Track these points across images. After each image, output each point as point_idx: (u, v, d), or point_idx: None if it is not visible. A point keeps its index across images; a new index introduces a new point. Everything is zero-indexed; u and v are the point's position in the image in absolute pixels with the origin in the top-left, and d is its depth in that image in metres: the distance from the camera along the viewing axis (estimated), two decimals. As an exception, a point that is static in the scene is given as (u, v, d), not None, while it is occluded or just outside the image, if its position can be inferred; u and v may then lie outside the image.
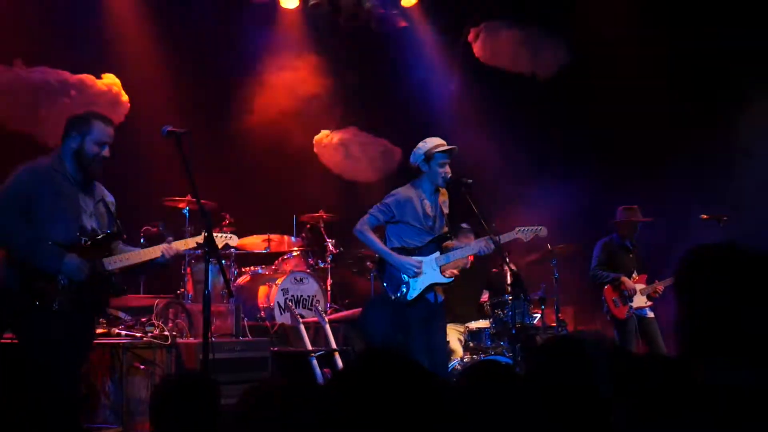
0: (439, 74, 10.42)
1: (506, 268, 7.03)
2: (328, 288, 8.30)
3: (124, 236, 4.54)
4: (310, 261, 8.51)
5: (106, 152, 4.38)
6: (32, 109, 8.19)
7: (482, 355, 7.19)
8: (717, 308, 1.84)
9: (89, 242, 4.29)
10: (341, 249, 8.55)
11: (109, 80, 8.64)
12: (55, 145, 7.88)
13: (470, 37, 10.36)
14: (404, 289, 5.50)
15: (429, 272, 5.58)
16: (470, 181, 5.73)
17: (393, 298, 5.52)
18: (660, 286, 7.63)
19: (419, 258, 5.59)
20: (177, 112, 7.83)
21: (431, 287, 5.58)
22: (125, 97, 8.67)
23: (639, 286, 7.69)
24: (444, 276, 5.61)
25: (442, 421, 1.63)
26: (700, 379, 1.87)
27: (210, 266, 4.35)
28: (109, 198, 4.57)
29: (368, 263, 7.88)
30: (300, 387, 1.82)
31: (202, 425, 2.64)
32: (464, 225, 7.20)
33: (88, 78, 8.53)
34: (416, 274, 5.49)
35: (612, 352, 2.20)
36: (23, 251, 4.13)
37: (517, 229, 5.76)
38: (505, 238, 5.68)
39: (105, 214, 4.48)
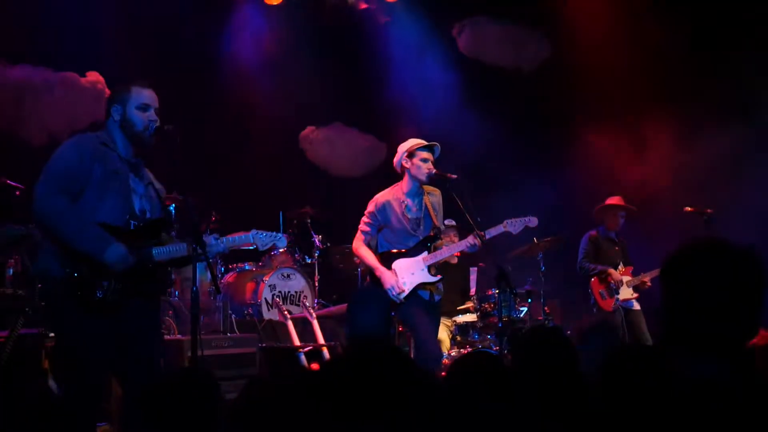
0: (423, 69, 10.42)
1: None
2: (316, 283, 8.32)
3: (175, 225, 4.34)
4: (297, 257, 8.52)
5: (152, 115, 4.12)
6: (15, 107, 8.15)
7: (470, 349, 7.24)
8: (694, 301, 1.88)
9: (139, 225, 4.06)
10: (328, 244, 8.56)
11: (93, 77, 8.60)
12: (39, 142, 8.04)
13: (454, 32, 10.39)
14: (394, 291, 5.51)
15: (417, 272, 5.58)
16: (455, 176, 5.69)
17: (381, 292, 5.51)
18: (647, 279, 7.70)
19: (406, 260, 5.60)
20: (161, 108, 7.79)
21: (420, 286, 5.58)
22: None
23: (625, 278, 7.76)
24: (431, 275, 5.62)
25: (432, 411, 1.65)
26: (670, 369, 1.92)
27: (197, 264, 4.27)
28: (158, 184, 4.32)
29: (355, 259, 7.89)
30: (293, 382, 1.84)
31: (202, 422, 2.64)
32: (447, 222, 7.19)
33: (71, 75, 8.49)
34: (397, 297, 5.46)
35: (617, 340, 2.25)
36: (69, 234, 3.84)
37: (505, 222, 5.67)
38: (493, 232, 5.61)
39: (155, 199, 4.22)
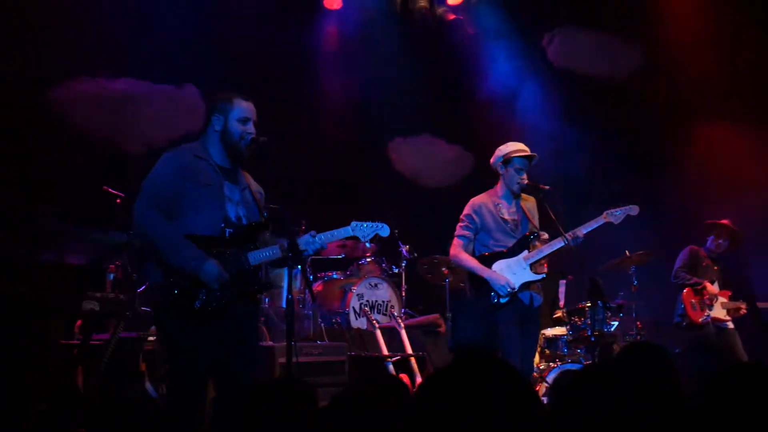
0: (511, 79, 10.36)
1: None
2: (403, 293, 8.34)
3: (270, 227, 4.30)
4: (384, 266, 8.54)
5: (250, 128, 4.22)
6: (116, 118, 8.45)
7: (558, 363, 7.13)
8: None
9: (233, 233, 4.14)
10: (415, 254, 8.57)
11: (189, 90, 8.85)
12: (138, 152, 8.33)
13: (544, 42, 10.29)
14: (495, 293, 5.46)
15: (519, 271, 5.52)
16: (548, 188, 5.66)
17: (484, 302, 5.48)
18: (743, 306, 7.45)
19: (507, 260, 5.55)
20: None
21: (524, 287, 5.52)
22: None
23: (721, 299, 7.53)
24: (535, 273, 5.55)
25: (537, 423, 1.63)
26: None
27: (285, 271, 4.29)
28: (255, 187, 4.37)
29: (443, 269, 7.88)
30: (393, 390, 1.85)
31: (298, 429, 2.68)
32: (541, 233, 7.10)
33: (169, 88, 8.76)
34: (508, 294, 5.42)
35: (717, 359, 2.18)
36: (165, 251, 3.97)
37: (605, 212, 5.54)
38: (593, 224, 5.50)
39: (251, 203, 4.28)
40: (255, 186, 4.39)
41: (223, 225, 4.12)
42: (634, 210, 5.55)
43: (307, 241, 4.22)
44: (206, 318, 3.99)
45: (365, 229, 4.40)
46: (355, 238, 4.44)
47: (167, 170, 4.11)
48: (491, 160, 5.75)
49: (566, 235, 5.39)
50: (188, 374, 4.01)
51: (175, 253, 3.96)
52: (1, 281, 5.06)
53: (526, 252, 5.57)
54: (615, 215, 5.51)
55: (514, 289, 5.42)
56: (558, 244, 5.54)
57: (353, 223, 4.41)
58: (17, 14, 7.60)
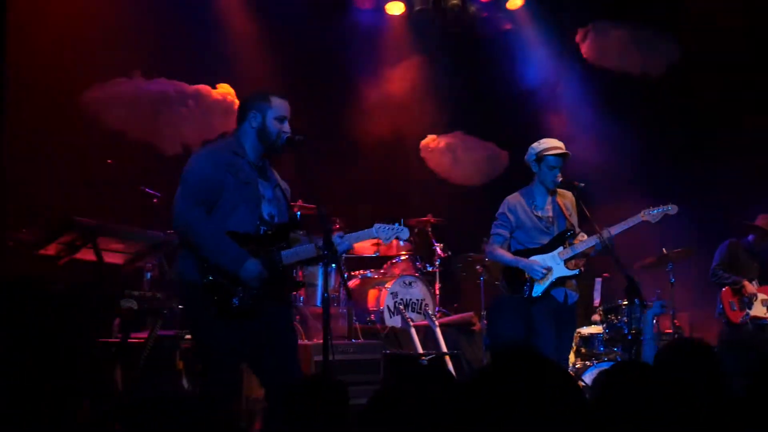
0: (546, 76, 10.29)
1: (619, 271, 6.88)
2: (437, 292, 8.33)
3: (299, 225, 4.36)
4: (419, 265, 8.54)
5: (286, 127, 4.24)
6: (151, 118, 8.55)
7: (594, 361, 7.07)
8: None
9: (268, 231, 4.18)
10: (449, 253, 8.55)
11: (224, 89, 8.93)
12: (173, 152, 8.42)
13: (578, 38, 10.21)
14: (528, 286, 5.44)
15: (554, 267, 5.49)
16: (582, 184, 5.61)
17: (517, 296, 5.47)
18: None
19: (542, 256, 5.51)
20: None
21: (558, 282, 5.49)
22: (238, 106, 8.93)
23: (761, 296, 7.40)
24: (568, 268, 5.52)
25: (584, 420, 1.62)
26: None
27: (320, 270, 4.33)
28: (283, 184, 4.39)
29: (477, 267, 7.85)
30: (436, 389, 1.84)
31: (333, 426, 2.69)
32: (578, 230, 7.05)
33: (204, 88, 8.85)
34: (544, 276, 5.41)
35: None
36: (207, 248, 3.99)
37: (643, 211, 5.46)
38: (630, 222, 5.43)
39: (282, 200, 4.32)
40: (283, 183, 4.42)
41: (258, 223, 4.15)
42: (672, 209, 5.45)
43: (336, 243, 4.23)
44: (241, 316, 4.02)
45: (387, 232, 4.50)
46: (377, 240, 4.52)
47: (208, 165, 4.11)
48: (526, 156, 5.72)
49: (601, 232, 5.35)
50: (221, 370, 4.05)
51: (216, 251, 3.99)
52: (42, 280, 5.13)
53: (561, 248, 5.54)
54: (652, 214, 5.43)
55: (549, 269, 5.40)
56: (592, 241, 5.49)
57: (376, 226, 4.50)
58: (56, 17, 7.71)
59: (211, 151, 4.23)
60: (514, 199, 5.70)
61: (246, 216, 4.10)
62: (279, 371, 4.09)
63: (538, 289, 5.45)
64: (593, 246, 5.49)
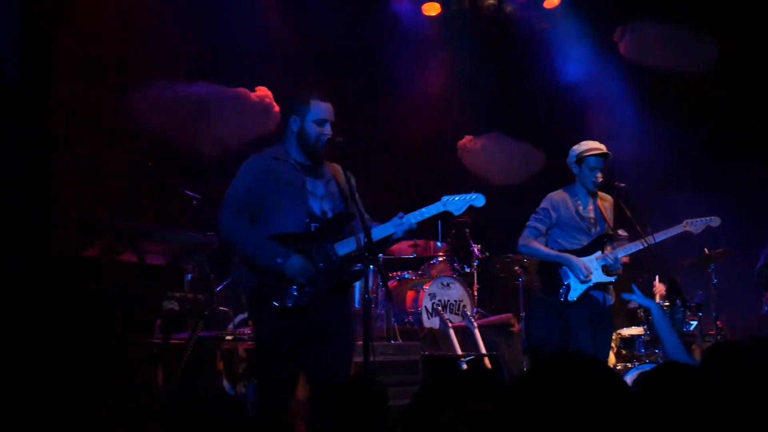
0: (583, 76, 10.20)
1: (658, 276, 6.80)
2: (475, 293, 8.30)
3: (359, 215, 4.17)
4: (456, 266, 8.52)
5: (327, 130, 4.24)
6: (192, 121, 8.65)
7: (636, 363, 6.99)
8: None
9: (319, 227, 4.16)
10: (487, 254, 8.51)
11: (262, 92, 9.00)
12: (212, 154, 8.50)
13: (615, 36, 10.11)
14: (564, 290, 5.40)
15: (594, 272, 5.44)
16: (623, 185, 5.57)
17: (553, 299, 5.43)
18: None
19: (585, 258, 5.46)
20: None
21: (595, 286, 5.44)
22: (276, 108, 9.01)
23: (810, 294, 7.25)
24: (606, 275, 5.47)
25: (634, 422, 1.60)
26: None
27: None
28: (343, 178, 4.31)
29: (516, 268, 7.81)
30: (481, 396, 1.84)
31: (372, 428, 2.70)
32: (620, 232, 6.98)
33: (242, 91, 8.93)
34: (586, 279, 5.36)
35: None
36: (250, 254, 4.08)
37: (685, 221, 5.46)
38: (671, 232, 5.43)
39: (337, 194, 4.29)
40: (342, 177, 4.34)
41: (307, 220, 4.17)
42: (715, 221, 5.49)
43: (396, 224, 4.17)
44: (298, 314, 4.07)
45: (458, 203, 4.25)
46: (447, 214, 4.27)
47: (247, 175, 4.22)
48: (567, 158, 5.70)
49: (645, 238, 5.30)
50: (280, 370, 4.09)
51: (261, 255, 4.06)
52: (85, 280, 5.21)
53: (599, 252, 5.49)
54: (695, 225, 5.46)
55: (591, 272, 5.33)
56: (635, 247, 5.46)
57: (444, 198, 4.28)
58: (97, 21, 7.81)
59: (250, 161, 4.31)
60: (558, 195, 5.65)
61: (293, 216, 4.15)
62: (324, 370, 4.11)
63: (574, 294, 5.41)
64: (635, 252, 5.46)
